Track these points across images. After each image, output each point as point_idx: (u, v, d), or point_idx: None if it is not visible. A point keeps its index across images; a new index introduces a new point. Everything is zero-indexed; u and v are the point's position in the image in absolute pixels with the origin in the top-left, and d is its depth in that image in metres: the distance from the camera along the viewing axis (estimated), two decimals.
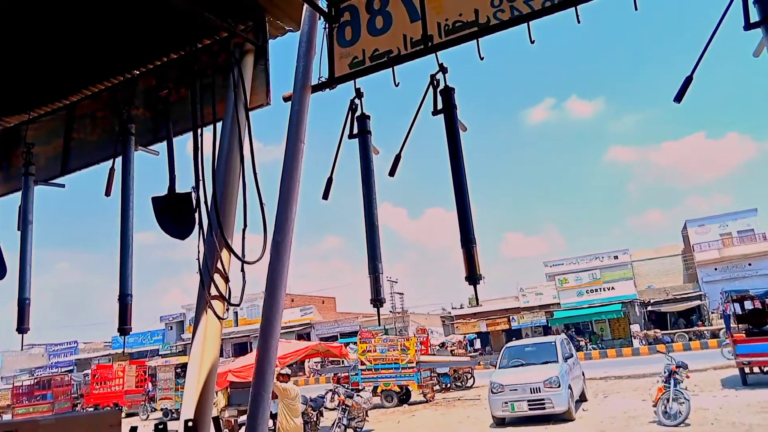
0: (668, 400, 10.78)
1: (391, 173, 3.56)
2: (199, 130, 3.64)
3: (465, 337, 39.49)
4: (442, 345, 32.95)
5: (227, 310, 3.38)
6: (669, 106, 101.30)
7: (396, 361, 19.23)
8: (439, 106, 3.31)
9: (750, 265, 38.86)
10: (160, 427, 2.07)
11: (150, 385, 27.13)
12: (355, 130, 3.59)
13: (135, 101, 4.24)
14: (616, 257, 43.54)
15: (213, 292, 3.24)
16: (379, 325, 39.70)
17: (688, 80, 2.71)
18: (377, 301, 3.42)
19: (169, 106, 4.02)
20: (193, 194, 3.50)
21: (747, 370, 14.59)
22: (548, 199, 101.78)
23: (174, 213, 3.66)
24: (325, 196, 3.65)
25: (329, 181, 3.67)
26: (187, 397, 2.91)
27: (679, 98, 2.82)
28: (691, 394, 11.25)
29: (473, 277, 3.20)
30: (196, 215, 3.38)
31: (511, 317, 43.33)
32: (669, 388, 10.88)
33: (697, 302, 38.70)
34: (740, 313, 16.82)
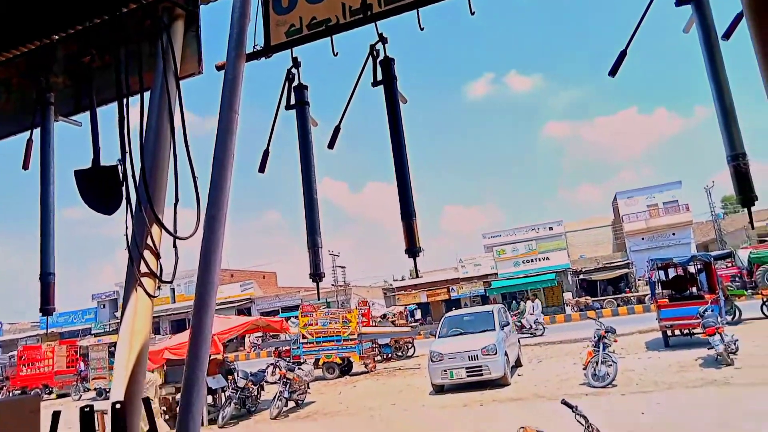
0: (597, 363, 11.34)
1: (330, 146, 3.49)
2: (125, 100, 3.43)
3: (406, 307, 40.09)
4: (384, 316, 33.37)
5: (159, 287, 3.25)
6: (604, 83, 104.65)
7: (338, 333, 19.34)
8: (379, 77, 3.25)
9: (674, 234, 41.16)
10: (85, 410, 1.97)
11: (82, 365, 26.24)
12: (293, 101, 3.48)
13: (54, 68, 3.95)
14: (550, 228, 45.05)
15: (143, 269, 3.10)
16: (319, 299, 39.72)
17: (623, 54, 2.75)
18: (316, 275, 3.36)
19: (92, 73, 3.76)
20: (120, 167, 3.31)
21: (669, 333, 15.52)
22: (487, 172, 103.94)
23: (99, 187, 3.46)
24: (262, 169, 3.55)
25: (266, 153, 3.56)
26: (116, 379, 2.79)
27: (613, 72, 2.86)
28: (618, 356, 11.88)
29: (413, 249, 3.19)
30: (123, 189, 3.20)
31: (450, 288, 44.31)
32: (598, 351, 11.44)
33: (625, 270, 40.72)
34: (664, 279, 17.83)
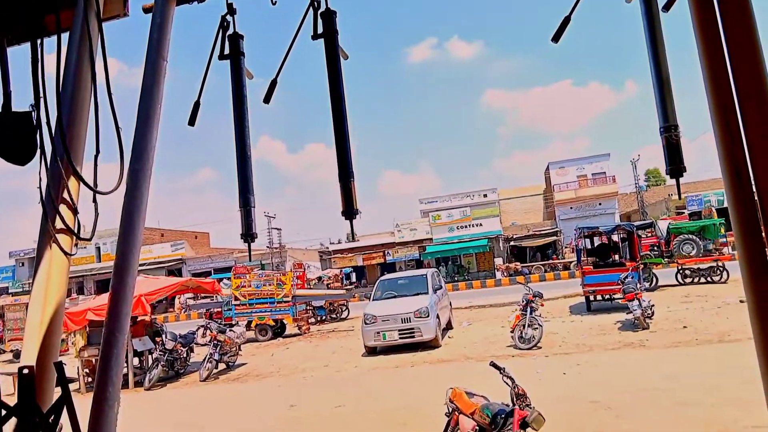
0: (524, 326, 11.78)
1: (266, 100, 3.31)
2: (39, 40, 3.11)
3: (341, 270, 40.28)
4: (319, 279, 33.42)
5: (76, 245, 3.02)
6: (542, 53, 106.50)
7: (271, 295, 19.17)
8: (320, 30, 3.08)
9: (600, 204, 43.05)
10: None
11: None
12: (227, 51, 3.27)
13: None
14: (485, 195, 46.08)
15: (59, 224, 2.87)
16: (251, 260, 39.16)
17: (566, 21, 2.71)
18: (248, 235, 3.22)
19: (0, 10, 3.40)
20: (33, 114, 3.01)
21: (591, 298, 16.31)
22: (426, 138, 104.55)
23: (10, 135, 3.15)
24: (192, 122, 3.33)
25: (196, 105, 3.35)
26: (27, 340, 2.59)
27: (556, 38, 2.82)
28: (544, 320, 12.37)
29: (350, 211, 3.09)
30: (38, 138, 2.93)
31: (386, 252, 44.74)
32: (525, 315, 11.87)
33: (554, 238, 42.33)
34: (590, 247, 18.63)
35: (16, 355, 21.19)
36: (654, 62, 2.33)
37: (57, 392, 2.35)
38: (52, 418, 1.93)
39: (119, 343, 2.84)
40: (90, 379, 12.63)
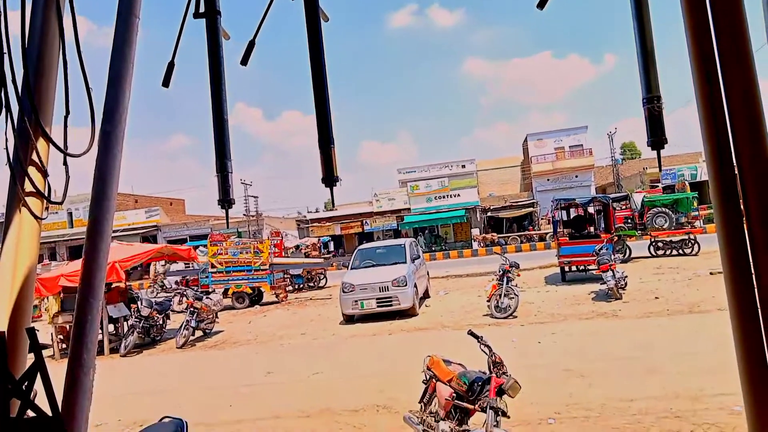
0: (500, 296, 11.93)
1: (243, 62, 3.19)
2: None
3: (319, 239, 40.20)
4: (297, 248, 33.31)
5: (47, 209, 2.92)
6: (523, 23, 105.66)
7: (248, 263, 19.09)
8: None
9: (577, 176, 43.44)
10: None
11: None
12: (202, 9, 3.14)
13: None
14: (463, 166, 46.19)
15: (28, 187, 2.76)
16: (228, 227, 38.77)
17: None
18: (225, 201, 3.13)
19: None
20: None
21: (567, 268, 16.56)
22: (406, 107, 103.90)
23: None
24: (166, 83, 3.20)
25: (170, 65, 3.20)
26: None
27: (542, 5, 2.76)
28: (519, 290, 12.54)
29: (330, 178, 3.02)
30: (2, 95, 2.79)
31: (364, 221, 44.78)
32: (502, 285, 12.01)
33: (530, 209, 42.77)
34: (566, 219, 18.84)
35: None
36: (639, 32, 2.29)
37: (29, 360, 2.30)
38: (25, 384, 1.87)
39: (93, 309, 2.77)
40: (64, 346, 12.52)
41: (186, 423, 2.75)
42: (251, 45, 3.22)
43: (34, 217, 2.85)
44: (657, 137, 2.18)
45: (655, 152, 2.28)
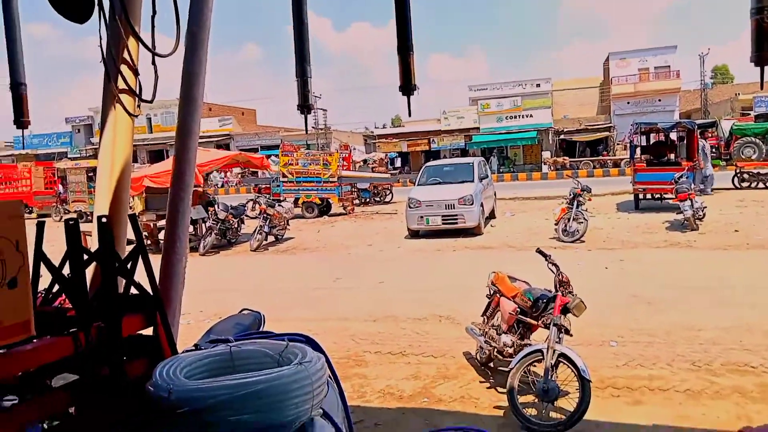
0: (569, 220, 11.72)
1: None
2: None
3: (386, 155, 40.29)
4: (364, 162, 33.62)
5: (138, 106, 3.05)
6: None
7: (318, 174, 19.49)
8: None
9: (660, 101, 40.79)
10: (70, 223, 1.90)
11: (61, 187, 26.30)
12: None
13: None
14: (538, 85, 44.19)
15: (121, 85, 2.88)
16: (306, 132, 39.23)
17: None
18: (305, 107, 3.17)
19: None
20: None
21: (641, 196, 15.96)
22: (479, 20, 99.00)
23: None
24: None
25: None
26: (99, 194, 2.71)
27: None
28: (589, 215, 12.25)
29: (408, 87, 2.99)
30: None
31: (431, 139, 44.30)
32: (571, 209, 11.77)
33: (606, 134, 40.89)
34: (645, 144, 17.95)
35: (80, 215, 22.55)
36: None
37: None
38: (129, 264, 2.06)
39: (185, 202, 2.95)
40: (149, 242, 13.41)
41: (263, 315, 2.95)
42: None
43: (127, 114, 3.00)
44: (762, 52, 2.01)
45: (758, 69, 2.11)
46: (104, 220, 2.09)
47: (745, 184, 19.32)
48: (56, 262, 1.91)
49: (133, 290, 2.12)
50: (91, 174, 22.55)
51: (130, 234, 2.57)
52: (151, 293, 2.13)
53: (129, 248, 2.24)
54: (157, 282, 2.25)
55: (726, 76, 60.46)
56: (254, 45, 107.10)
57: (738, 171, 19.54)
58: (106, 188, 2.72)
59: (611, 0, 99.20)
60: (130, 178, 2.95)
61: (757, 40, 2.01)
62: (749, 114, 34.14)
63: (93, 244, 2.20)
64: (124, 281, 2.08)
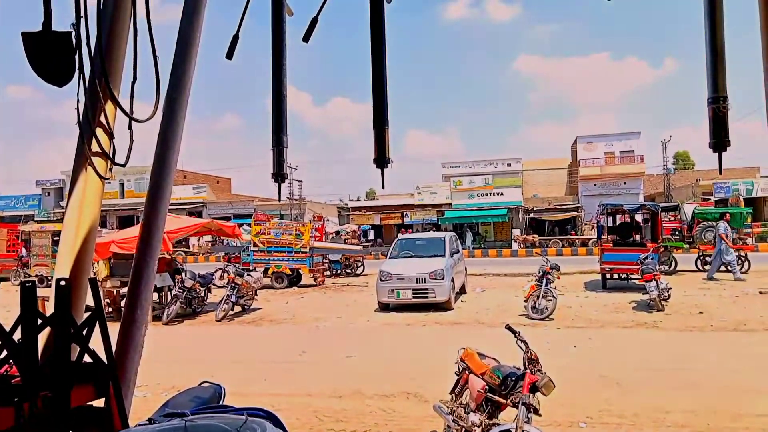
0: (538, 297, 11.78)
1: (305, 38, 3.25)
2: None
3: (359, 227, 40.48)
4: (337, 233, 33.68)
5: (110, 169, 3.05)
6: (583, 21, 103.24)
7: (289, 245, 19.39)
8: None
9: (625, 183, 42.32)
10: (27, 285, 1.84)
11: (23, 250, 25.57)
12: None
13: None
14: (509, 164, 45.58)
15: (94, 147, 2.88)
16: (280, 200, 39.34)
17: None
18: (279, 176, 3.19)
19: None
20: (73, 34, 2.99)
21: (608, 276, 16.20)
22: (455, 100, 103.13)
23: (50, 54, 3.14)
24: (229, 56, 3.28)
25: (235, 38, 3.29)
26: (61, 256, 2.65)
27: None
28: (558, 293, 12.34)
29: (382, 160, 3.04)
30: (77, 59, 2.91)
31: (404, 213, 44.84)
32: (541, 286, 11.86)
33: (575, 213, 41.94)
34: (611, 225, 18.42)
35: (41, 280, 21.84)
36: (710, 29, 2.23)
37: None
38: (85, 331, 1.98)
39: (150, 268, 2.89)
40: (110, 310, 12.99)
41: (224, 389, 2.85)
42: (314, 21, 3.27)
43: (98, 176, 2.99)
44: (720, 139, 2.13)
45: (716, 155, 2.22)
46: (63, 283, 2.03)
47: (707, 267, 19.79)
48: (9, 327, 1.83)
49: (88, 358, 2.04)
50: (57, 238, 22.03)
51: (90, 300, 2.49)
52: (106, 362, 2.05)
53: (87, 314, 2.17)
54: (114, 351, 2.17)
55: (687, 162, 63.26)
56: (233, 114, 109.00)
57: (701, 254, 20.06)
58: (69, 250, 2.66)
59: (578, 87, 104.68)
60: (95, 242, 2.90)
61: (715, 128, 2.13)
62: (710, 199, 35.56)
63: (51, 309, 2.12)
64: (78, 348, 2.00)
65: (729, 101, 2.20)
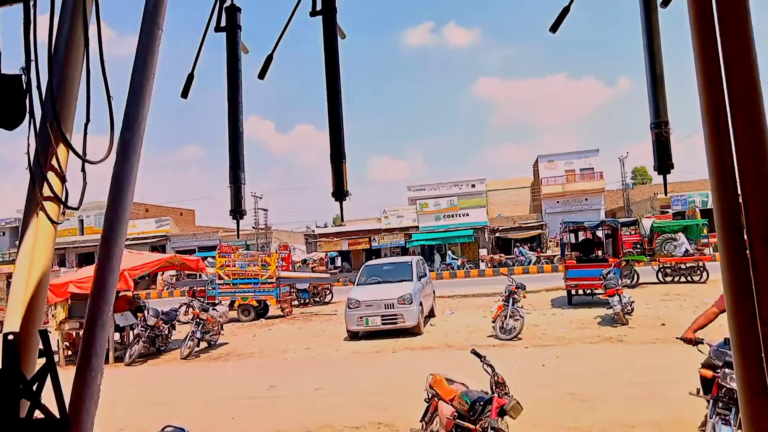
0: (506, 317, 11.88)
1: (261, 76, 3.25)
2: (32, 1, 3.03)
3: (327, 254, 40.24)
4: (304, 262, 33.36)
5: (63, 213, 2.97)
6: (540, 44, 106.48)
7: (255, 276, 19.13)
8: (318, 6, 3.04)
9: (586, 200, 43.29)
10: None
11: None
12: (223, 23, 3.21)
13: None
14: (473, 186, 46.19)
15: (46, 192, 2.81)
16: (239, 237, 38.88)
17: (565, 11, 2.70)
18: (237, 212, 3.16)
19: None
20: (24, 77, 2.94)
21: (573, 292, 16.47)
22: (417, 125, 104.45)
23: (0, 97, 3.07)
24: (184, 95, 3.26)
25: (190, 77, 3.27)
26: (11, 309, 2.55)
27: (554, 28, 2.81)
28: (525, 312, 12.46)
29: (340, 193, 3.06)
30: (27, 102, 2.86)
31: (372, 238, 44.79)
32: (507, 306, 11.97)
33: (539, 231, 42.61)
34: (574, 242, 18.78)
35: None
36: (649, 57, 2.33)
37: (40, 362, 2.34)
38: (35, 385, 1.91)
39: (104, 314, 2.81)
40: (70, 353, 12.58)
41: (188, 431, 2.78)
42: (269, 59, 3.29)
43: (50, 222, 2.91)
44: (664, 162, 2.22)
45: (661, 177, 2.31)
46: (11, 337, 1.96)
47: (668, 279, 20.32)
48: None
49: (39, 414, 1.97)
50: (11, 280, 21.26)
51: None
52: (59, 416, 1.97)
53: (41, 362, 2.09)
54: (67, 403, 2.09)
55: (645, 177, 65.09)
56: (194, 145, 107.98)
57: (661, 266, 20.60)
58: (19, 302, 2.57)
59: (538, 107, 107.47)
60: (47, 290, 2.81)
61: (659, 152, 2.21)
62: (668, 212, 36.63)
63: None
64: (29, 404, 1.93)
65: (670, 126, 2.31)
